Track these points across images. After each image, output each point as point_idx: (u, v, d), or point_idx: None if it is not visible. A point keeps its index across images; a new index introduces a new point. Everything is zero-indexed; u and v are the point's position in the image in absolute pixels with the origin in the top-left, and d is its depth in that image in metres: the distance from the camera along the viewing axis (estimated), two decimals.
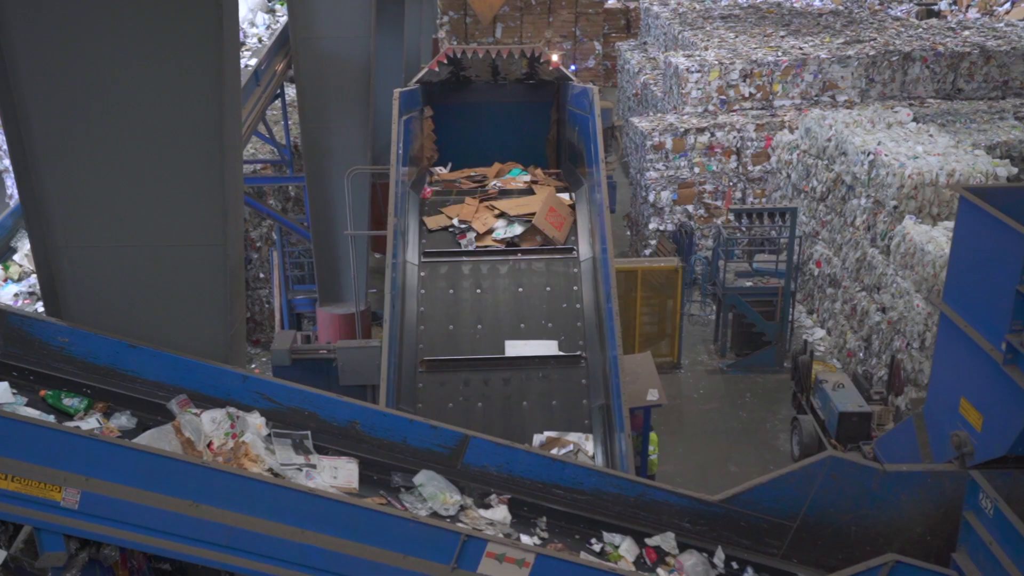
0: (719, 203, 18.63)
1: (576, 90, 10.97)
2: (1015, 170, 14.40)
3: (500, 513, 6.38)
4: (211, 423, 5.94)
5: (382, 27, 15.58)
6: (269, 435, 6.10)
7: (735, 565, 6.65)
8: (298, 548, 5.43)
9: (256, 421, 6.10)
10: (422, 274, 9.53)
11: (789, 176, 17.63)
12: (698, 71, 19.43)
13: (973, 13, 28.77)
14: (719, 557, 6.60)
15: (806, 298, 17.23)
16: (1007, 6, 28.68)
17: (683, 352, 15.88)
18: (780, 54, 20.02)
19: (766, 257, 15.83)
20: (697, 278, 17.64)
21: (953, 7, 30.01)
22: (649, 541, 6.60)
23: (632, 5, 33.61)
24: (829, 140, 16.13)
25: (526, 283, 9.48)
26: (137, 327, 6.04)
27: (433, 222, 10.05)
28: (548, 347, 8.88)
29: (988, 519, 5.87)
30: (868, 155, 14.83)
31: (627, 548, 6.48)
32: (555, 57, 11.59)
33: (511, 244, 9.79)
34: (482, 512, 6.35)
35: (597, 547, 6.49)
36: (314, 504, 5.45)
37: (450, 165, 11.62)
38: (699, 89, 19.52)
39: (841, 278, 15.75)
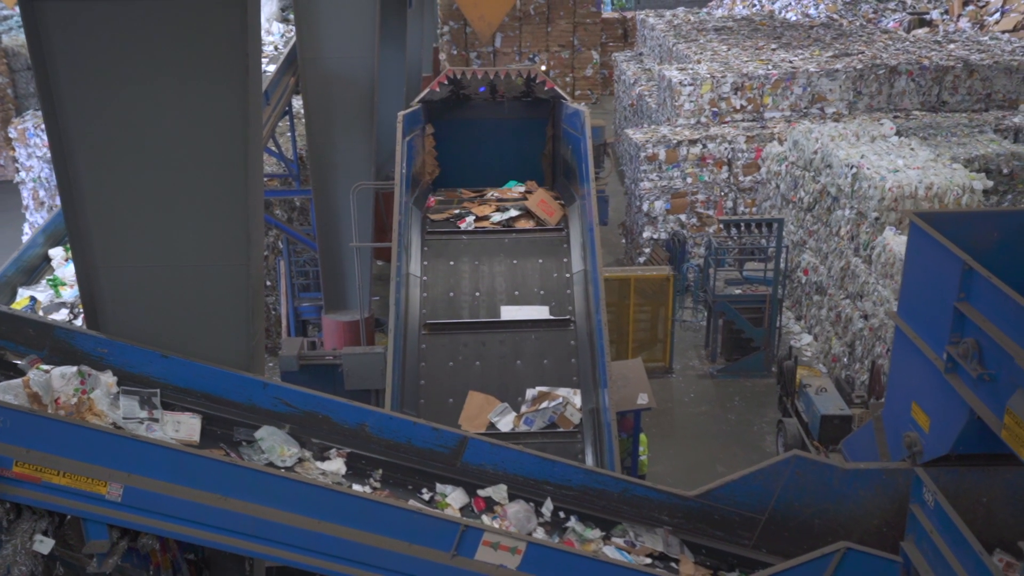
0: (711, 212, 19.24)
1: (569, 110, 11.63)
2: (991, 183, 14.99)
3: (335, 465, 6.86)
4: (61, 379, 6.31)
5: (385, 40, 15.79)
6: (118, 393, 6.49)
7: (562, 515, 7.17)
8: (315, 537, 6.09)
9: (108, 380, 6.49)
10: (425, 248, 10.40)
11: (778, 187, 18.24)
12: (691, 84, 20.06)
13: (964, 23, 29.35)
14: (547, 507, 7.12)
15: (794, 305, 17.84)
16: (996, 16, 29.25)
17: (675, 357, 16.41)
18: (770, 67, 20.65)
19: (755, 265, 16.36)
20: (690, 285, 18.20)
21: (945, 17, 30.58)
22: (481, 492, 7.08)
23: (629, 15, 34.24)
24: (815, 153, 16.76)
25: (520, 256, 10.36)
26: (168, 339, 6.69)
27: (437, 216, 10.93)
28: (540, 312, 9.78)
29: (930, 511, 6.52)
30: (851, 168, 15.46)
31: (455, 497, 6.97)
32: (543, 68, 12.40)
33: (507, 227, 10.64)
34: (318, 464, 6.83)
35: (427, 496, 7.00)
36: (330, 497, 6.11)
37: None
38: (692, 102, 20.15)
39: (827, 286, 16.34)
